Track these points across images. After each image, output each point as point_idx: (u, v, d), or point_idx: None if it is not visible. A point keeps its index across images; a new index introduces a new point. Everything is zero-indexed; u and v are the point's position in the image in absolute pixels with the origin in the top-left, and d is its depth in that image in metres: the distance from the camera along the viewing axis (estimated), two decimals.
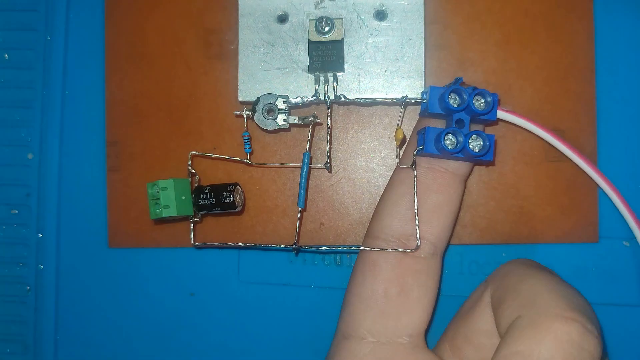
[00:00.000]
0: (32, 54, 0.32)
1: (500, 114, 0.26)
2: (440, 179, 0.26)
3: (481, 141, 0.25)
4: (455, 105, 0.25)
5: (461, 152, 0.25)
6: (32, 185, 0.32)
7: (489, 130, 0.28)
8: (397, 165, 0.27)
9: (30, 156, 0.32)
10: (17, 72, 0.32)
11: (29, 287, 0.32)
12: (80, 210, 0.31)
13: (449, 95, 0.25)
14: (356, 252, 0.30)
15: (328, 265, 0.31)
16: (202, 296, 0.31)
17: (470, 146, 0.25)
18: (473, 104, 0.25)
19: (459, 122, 0.25)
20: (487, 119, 0.25)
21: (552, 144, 0.27)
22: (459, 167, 0.26)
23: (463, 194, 0.27)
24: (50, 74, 0.32)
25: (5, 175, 0.32)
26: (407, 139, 0.28)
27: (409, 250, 0.26)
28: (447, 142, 0.25)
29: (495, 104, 0.25)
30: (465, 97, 0.25)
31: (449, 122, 0.25)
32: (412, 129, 0.29)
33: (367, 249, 0.26)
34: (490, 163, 0.29)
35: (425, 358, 0.26)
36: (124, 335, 0.31)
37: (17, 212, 0.32)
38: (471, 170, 0.28)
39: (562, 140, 0.27)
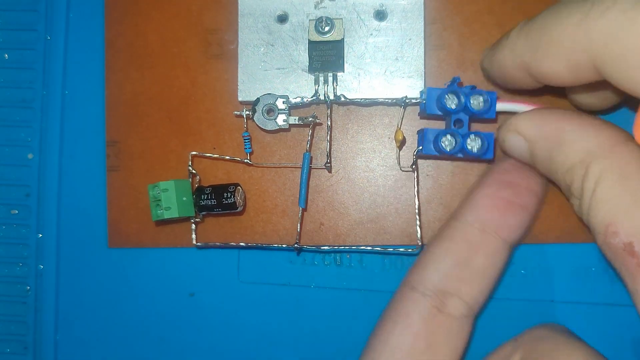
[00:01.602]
0: (32, 54, 0.32)
1: (500, 106, 0.26)
2: (491, 244, 0.25)
3: (479, 141, 0.25)
4: (453, 107, 0.25)
5: (460, 153, 0.25)
6: (32, 185, 0.32)
7: (490, 128, 0.28)
8: (449, 222, 0.26)
9: (30, 156, 0.32)
10: (17, 72, 0.32)
11: (29, 287, 0.32)
12: (80, 210, 0.31)
13: (446, 96, 0.25)
14: (358, 252, 0.30)
15: (328, 265, 0.30)
16: (202, 296, 0.31)
17: (469, 147, 0.25)
18: (470, 104, 0.25)
19: (458, 122, 0.25)
20: (486, 117, 0.25)
21: None
22: (511, 234, 0.25)
23: (506, 262, 0.27)
24: (50, 74, 0.32)
25: (5, 175, 0.32)
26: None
27: (410, 250, 0.25)
28: (445, 143, 0.25)
29: (493, 102, 0.25)
30: (462, 98, 0.24)
31: (448, 122, 0.25)
32: (409, 127, 0.29)
33: (372, 247, 0.26)
34: (491, 161, 0.28)
35: None
36: (124, 335, 0.31)
37: (17, 212, 0.32)
38: (521, 238, 0.27)
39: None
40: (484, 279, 0.25)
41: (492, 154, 0.25)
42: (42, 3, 0.32)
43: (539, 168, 0.24)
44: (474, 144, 0.25)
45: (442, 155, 0.25)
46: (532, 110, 0.24)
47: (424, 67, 0.28)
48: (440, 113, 0.25)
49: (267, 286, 0.31)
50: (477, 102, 0.25)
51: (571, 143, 0.22)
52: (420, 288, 0.25)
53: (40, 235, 0.32)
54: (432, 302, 0.25)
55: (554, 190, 0.29)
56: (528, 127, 0.23)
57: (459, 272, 0.25)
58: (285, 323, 0.31)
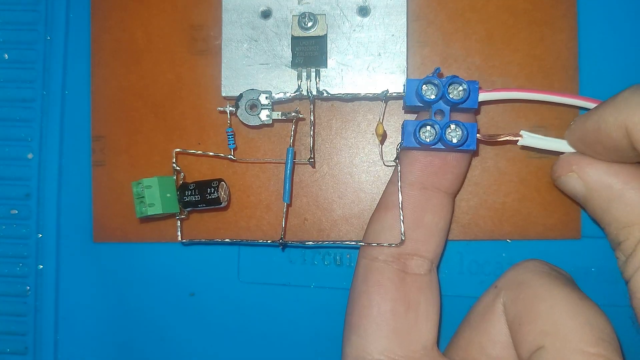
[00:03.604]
0: (32, 53, 0.32)
1: (483, 95, 0.25)
2: (433, 199, 0.26)
3: (460, 131, 0.24)
4: (432, 97, 0.24)
5: (440, 143, 0.24)
6: (32, 185, 0.31)
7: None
8: (388, 188, 0.26)
9: (30, 156, 0.31)
10: (17, 72, 0.32)
11: (28, 287, 0.32)
12: (80, 210, 0.31)
13: (423, 86, 0.24)
14: (342, 247, 0.29)
15: (328, 265, 0.30)
16: (202, 296, 0.31)
17: (448, 137, 0.24)
18: (448, 93, 0.24)
19: (439, 112, 0.24)
20: (467, 107, 0.24)
21: (541, 99, 0.26)
22: (450, 185, 0.26)
23: (453, 210, 0.27)
24: (50, 73, 0.31)
25: (5, 175, 0.32)
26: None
27: (393, 245, 0.25)
28: (425, 134, 0.24)
29: (472, 91, 0.24)
30: (439, 87, 0.24)
31: (430, 113, 0.25)
32: (393, 124, 0.28)
33: (357, 242, 0.26)
34: (473, 152, 0.28)
35: None
36: (124, 335, 0.31)
37: (17, 212, 0.32)
38: (460, 186, 0.27)
39: (549, 92, 0.26)
40: (437, 233, 0.26)
41: (474, 145, 0.24)
42: (42, 3, 0.32)
43: (589, 212, 0.24)
44: (453, 135, 0.24)
45: (424, 147, 0.24)
46: (596, 160, 0.24)
47: (407, 64, 0.28)
48: (420, 104, 0.25)
49: (267, 286, 0.30)
50: (455, 92, 0.24)
51: (633, 202, 0.22)
52: (380, 257, 0.26)
53: (40, 235, 0.32)
54: (396, 266, 0.25)
55: (535, 187, 0.28)
56: (591, 174, 0.24)
57: (412, 233, 0.25)
58: (285, 323, 0.30)
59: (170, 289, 0.31)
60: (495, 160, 0.29)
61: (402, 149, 0.25)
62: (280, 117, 0.27)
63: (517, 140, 0.25)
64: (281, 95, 0.27)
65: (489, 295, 0.25)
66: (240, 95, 0.27)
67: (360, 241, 0.26)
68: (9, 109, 0.31)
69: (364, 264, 0.26)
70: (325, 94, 0.27)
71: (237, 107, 0.27)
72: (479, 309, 0.25)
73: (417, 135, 0.24)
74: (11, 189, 0.31)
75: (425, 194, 0.26)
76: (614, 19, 0.29)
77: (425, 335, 0.25)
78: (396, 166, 0.26)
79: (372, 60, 0.28)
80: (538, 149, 0.26)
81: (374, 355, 0.25)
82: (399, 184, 0.25)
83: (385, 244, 0.25)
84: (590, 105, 0.25)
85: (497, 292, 0.24)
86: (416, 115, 0.27)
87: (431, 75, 0.24)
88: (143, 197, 0.27)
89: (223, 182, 0.27)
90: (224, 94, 0.28)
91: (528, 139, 0.25)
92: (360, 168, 0.29)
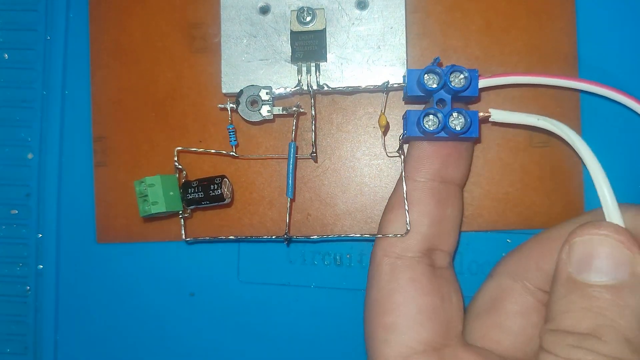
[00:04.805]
0: (32, 54, 0.31)
1: (483, 82, 0.25)
2: (452, 192, 0.26)
3: (462, 119, 0.24)
4: (434, 86, 0.24)
5: (444, 132, 0.24)
6: (32, 185, 0.31)
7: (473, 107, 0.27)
8: (408, 184, 0.26)
9: (30, 156, 0.31)
10: (17, 72, 0.32)
11: (28, 287, 0.31)
12: (80, 210, 0.31)
13: (425, 75, 0.24)
14: (347, 240, 0.29)
15: (328, 265, 0.30)
16: (202, 296, 0.31)
17: (452, 125, 0.24)
18: (450, 82, 0.24)
19: (441, 102, 0.24)
20: (468, 95, 0.24)
21: (540, 83, 0.26)
22: (463, 177, 0.26)
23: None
24: (50, 74, 0.31)
25: (5, 175, 0.32)
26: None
27: (399, 235, 0.25)
28: (428, 123, 0.24)
29: (473, 79, 0.24)
30: (441, 75, 0.24)
31: (431, 103, 0.24)
32: (394, 117, 0.28)
33: (361, 235, 0.26)
34: (477, 140, 0.28)
35: (473, 351, 0.25)
36: (124, 335, 0.31)
37: (17, 212, 0.32)
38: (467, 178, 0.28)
39: (548, 75, 0.26)
40: (456, 226, 0.27)
41: (477, 132, 0.24)
42: (42, 3, 0.32)
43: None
44: (457, 122, 0.24)
45: (427, 136, 0.24)
46: None
47: (406, 56, 0.28)
48: (421, 94, 0.24)
49: (267, 286, 0.30)
50: (457, 80, 0.24)
51: None
52: (409, 254, 0.25)
53: (40, 235, 0.31)
54: (425, 262, 0.25)
55: (538, 176, 0.28)
56: None
57: (437, 228, 0.26)
58: (285, 323, 0.30)
59: (170, 289, 0.31)
60: (498, 150, 0.28)
61: (406, 140, 0.25)
62: (281, 112, 0.27)
63: (488, 117, 0.25)
64: (281, 90, 0.27)
65: (489, 285, 0.26)
66: (241, 92, 0.27)
67: (366, 234, 0.26)
68: (9, 110, 0.31)
69: (389, 262, 0.26)
70: (325, 88, 0.27)
71: (237, 103, 0.27)
72: (487, 296, 0.26)
73: (421, 124, 0.24)
74: (11, 189, 0.31)
75: (446, 187, 0.26)
76: (612, 6, 0.29)
77: (459, 324, 0.26)
78: (401, 158, 0.26)
79: (371, 53, 0.28)
80: (509, 123, 0.25)
81: (418, 349, 0.24)
82: (403, 174, 0.25)
83: (390, 235, 0.25)
84: (590, 87, 0.25)
85: (498, 277, 0.25)
86: (418, 105, 0.27)
87: (432, 64, 0.24)
88: (146, 195, 0.27)
89: (226, 179, 0.27)
90: (224, 91, 0.28)
91: (496, 114, 0.25)
92: (363, 161, 0.29)
